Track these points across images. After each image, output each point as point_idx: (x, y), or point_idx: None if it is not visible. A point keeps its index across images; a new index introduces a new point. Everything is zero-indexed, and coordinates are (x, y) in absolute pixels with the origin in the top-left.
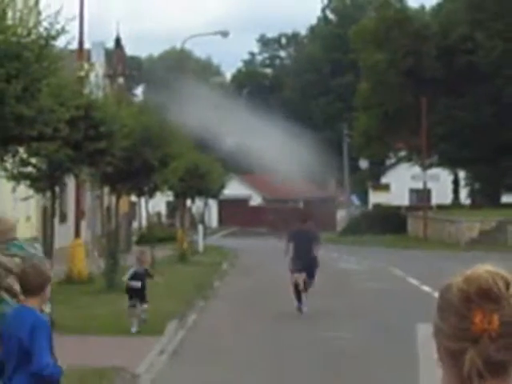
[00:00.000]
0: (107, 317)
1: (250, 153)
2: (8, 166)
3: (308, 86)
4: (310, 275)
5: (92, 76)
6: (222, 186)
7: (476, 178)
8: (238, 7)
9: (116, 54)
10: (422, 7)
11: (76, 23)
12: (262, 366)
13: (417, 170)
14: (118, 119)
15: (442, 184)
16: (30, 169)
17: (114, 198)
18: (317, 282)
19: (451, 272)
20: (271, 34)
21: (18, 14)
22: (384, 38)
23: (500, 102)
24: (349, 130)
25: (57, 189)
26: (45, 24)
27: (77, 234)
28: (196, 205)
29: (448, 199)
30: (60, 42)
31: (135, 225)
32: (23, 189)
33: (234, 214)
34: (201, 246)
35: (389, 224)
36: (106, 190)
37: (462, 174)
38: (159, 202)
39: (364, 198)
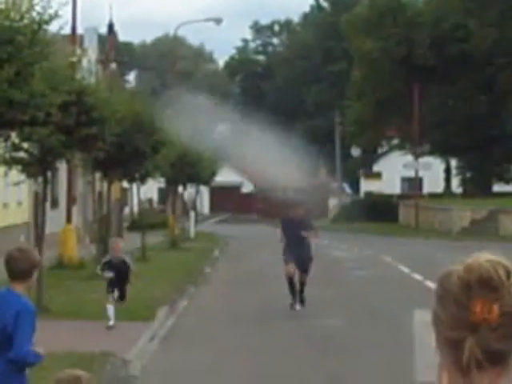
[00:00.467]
0: (98, 302)
1: (242, 140)
2: (0, 150)
3: (300, 73)
4: (304, 271)
5: (84, 61)
6: (214, 173)
7: (468, 166)
8: None
9: (109, 40)
10: None
11: (69, 8)
12: (252, 351)
13: (409, 158)
14: (110, 105)
15: (433, 173)
16: (21, 154)
17: (105, 184)
18: None
19: (442, 260)
20: (264, 21)
21: None
22: (376, 25)
23: (492, 91)
24: (341, 117)
25: (48, 174)
26: (38, 8)
27: (68, 219)
28: (188, 191)
29: (440, 188)
30: (53, 27)
31: (127, 211)
32: (15, 174)
33: (226, 200)
34: (192, 233)
35: (380, 212)
36: (98, 175)
37: (453, 163)
38: (151, 189)
39: (356, 186)
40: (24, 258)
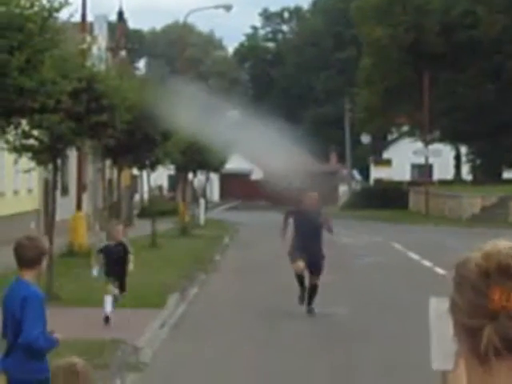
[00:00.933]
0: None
1: (251, 127)
2: (10, 138)
3: (310, 60)
4: (316, 271)
5: (94, 49)
6: (224, 161)
7: (478, 153)
8: None
9: (118, 28)
10: None
11: None
12: (260, 339)
13: (419, 145)
14: (120, 92)
15: (443, 159)
16: (32, 141)
17: (115, 171)
18: None
19: (452, 247)
20: (274, 8)
21: None
22: (386, 12)
23: (501, 78)
24: (350, 104)
25: (59, 161)
26: None
27: (78, 206)
28: (198, 178)
29: (450, 175)
30: (63, 15)
31: (137, 198)
32: (25, 161)
33: (236, 187)
34: (202, 220)
35: (390, 199)
36: (108, 163)
37: (463, 150)
38: (161, 176)
39: (365, 173)
40: (32, 245)
